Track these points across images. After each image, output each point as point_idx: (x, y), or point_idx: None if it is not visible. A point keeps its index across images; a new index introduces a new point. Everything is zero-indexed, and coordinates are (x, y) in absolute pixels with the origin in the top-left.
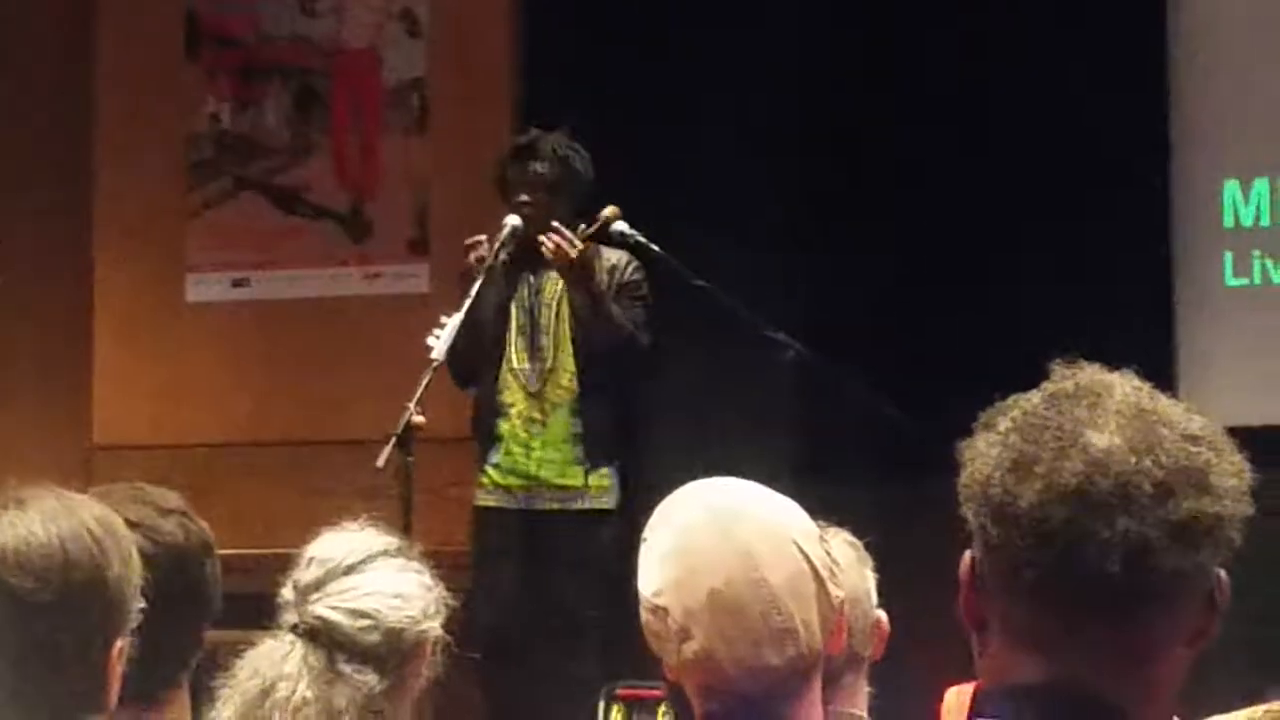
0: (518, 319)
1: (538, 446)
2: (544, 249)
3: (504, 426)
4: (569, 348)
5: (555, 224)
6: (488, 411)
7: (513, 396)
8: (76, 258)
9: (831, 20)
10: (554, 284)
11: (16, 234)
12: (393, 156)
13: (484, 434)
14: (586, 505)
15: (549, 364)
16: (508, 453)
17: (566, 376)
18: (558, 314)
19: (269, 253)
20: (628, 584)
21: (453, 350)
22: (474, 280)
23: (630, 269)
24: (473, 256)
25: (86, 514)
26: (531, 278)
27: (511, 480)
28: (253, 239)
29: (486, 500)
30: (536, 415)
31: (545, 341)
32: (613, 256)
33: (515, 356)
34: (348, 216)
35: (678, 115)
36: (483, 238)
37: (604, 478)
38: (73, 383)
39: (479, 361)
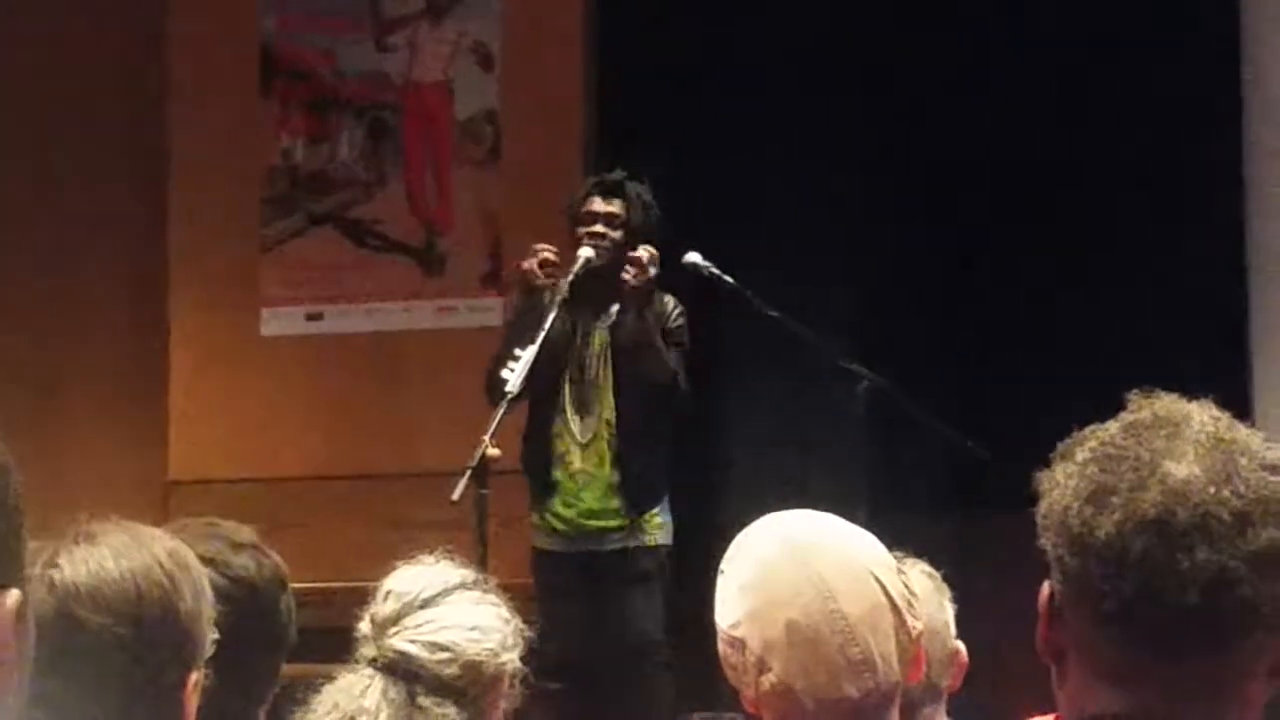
0: (571, 373)
1: (587, 498)
2: (627, 273)
3: (558, 474)
4: (611, 400)
5: (645, 248)
6: (541, 456)
7: (565, 446)
8: (152, 293)
9: (903, 55)
10: (603, 336)
11: (93, 270)
12: (465, 190)
13: (538, 477)
14: (640, 543)
15: (596, 416)
16: (564, 503)
17: (609, 429)
18: (604, 365)
19: (343, 286)
20: (693, 614)
21: (501, 366)
22: (536, 301)
23: (676, 314)
24: (535, 263)
25: (158, 547)
26: (582, 328)
27: (567, 528)
28: (326, 273)
29: (544, 543)
30: (586, 467)
31: (592, 395)
32: (660, 301)
33: (569, 408)
34: (421, 250)
35: (749, 146)
36: (554, 249)
37: (653, 517)
38: (149, 418)
39: (532, 391)
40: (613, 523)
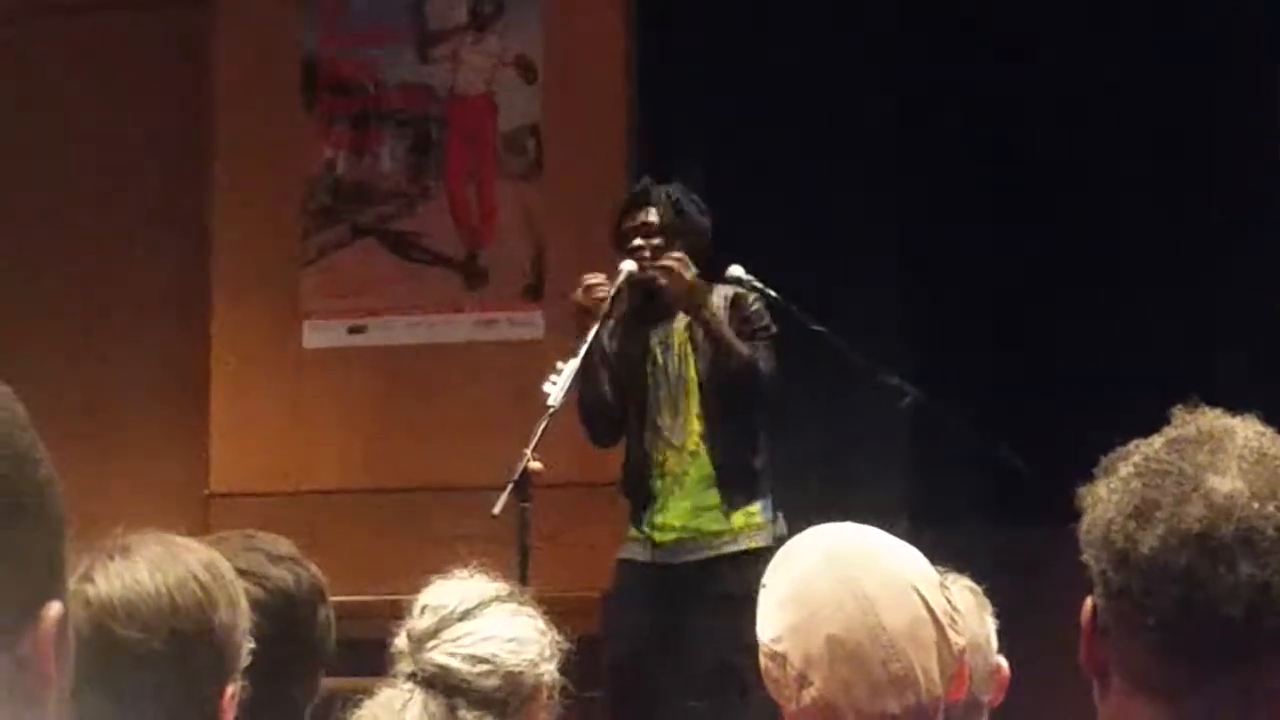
0: (654, 376)
1: (684, 496)
2: (660, 279)
3: (659, 485)
4: (697, 393)
5: (672, 254)
6: (643, 470)
7: (662, 454)
8: (194, 305)
9: (954, 69)
10: (681, 334)
11: (135, 282)
12: (508, 203)
13: (638, 493)
14: (739, 547)
15: (685, 414)
16: (663, 508)
17: (700, 424)
18: (684, 361)
19: (385, 299)
20: None
21: (587, 408)
22: (590, 323)
23: (753, 299)
24: (592, 296)
25: (193, 559)
26: (660, 333)
27: (665, 535)
28: (369, 285)
29: (638, 554)
30: (681, 469)
31: (680, 395)
32: (734, 290)
33: (661, 413)
34: (463, 262)
35: (793, 159)
36: (602, 277)
37: (752, 515)
38: (190, 430)
39: (613, 415)
40: (714, 526)
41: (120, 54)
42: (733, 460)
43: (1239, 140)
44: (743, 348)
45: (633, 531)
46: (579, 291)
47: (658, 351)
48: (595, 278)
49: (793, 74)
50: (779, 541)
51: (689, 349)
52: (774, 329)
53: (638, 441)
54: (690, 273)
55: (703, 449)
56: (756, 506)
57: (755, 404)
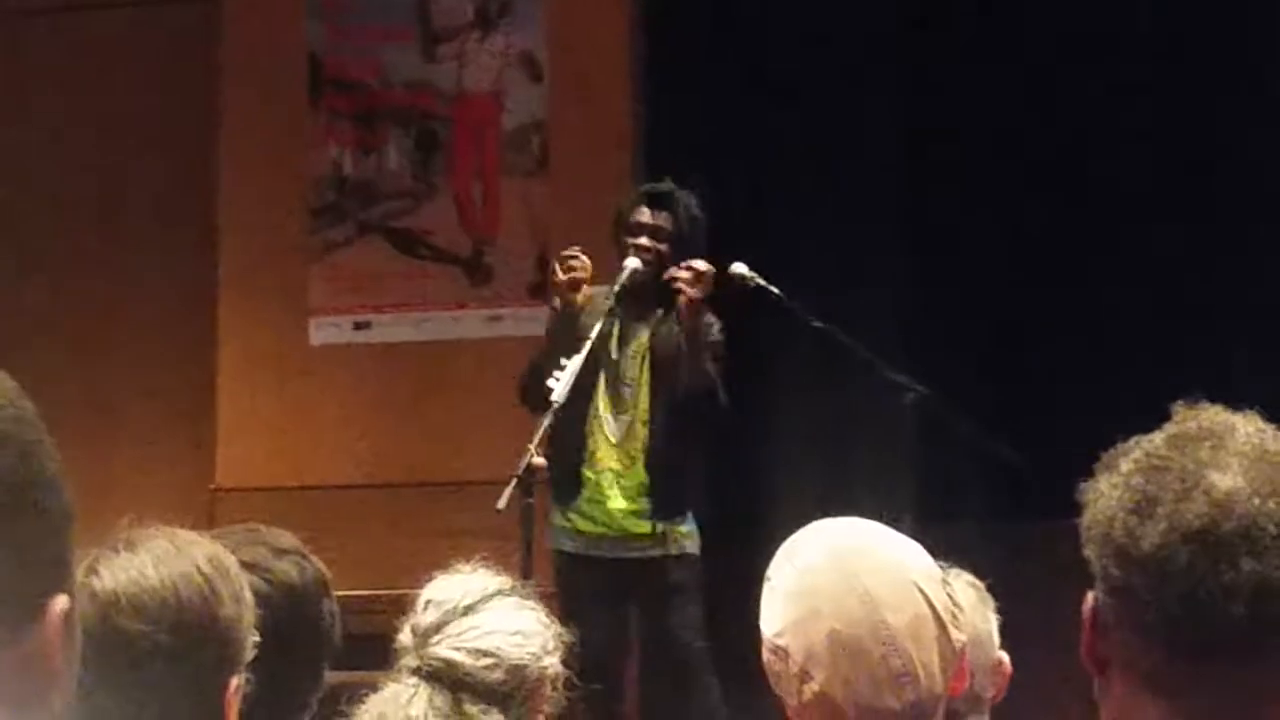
0: (606, 370)
1: (615, 497)
2: (680, 280)
3: (588, 473)
4: (647, 402)
5: (696, 264)
6: (572, 453)
7: (596, 444)
8: (201, 301)
9: (956, 67)
10: (643, 341)
11: (142, 278)
12: (513, 200)
13: (566, 474)
14: (666, 552)
15: (631, 417)
16: (590, 500)
17: (644, 428)
18: (642, 368)
19: (390, 296)
20: (738, 624)
21: (541, 376)
22: (576, 314)
23: (715, 329)
24: (564, 279)
25: (198, 553)
26: (622, 331)
27: (592, 528)
28: (375, 282)
29: (566, 545)
30: (617, 466)
31: (629, 395)
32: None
33: (603, 404)
34: (469, 260)
35: (796, 154)
36: (582, 256)
37: (678, 525)
38: (197, 425)
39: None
40: (639, 528)
41: (125, 52)
42: (671, 473)
43: (1241, 130)
44: (712, 370)
45: (558, 518)
46: (557, 267)
47: (614, 346)
48: (575, 257)
49: (796, 71)
50: (694, 553)
51: (647, 356)
52: (724, 359)
53: (576, 422)
54: (706, 290)
55: (641, 457)
56: (683, 522)
57: (709, 426)
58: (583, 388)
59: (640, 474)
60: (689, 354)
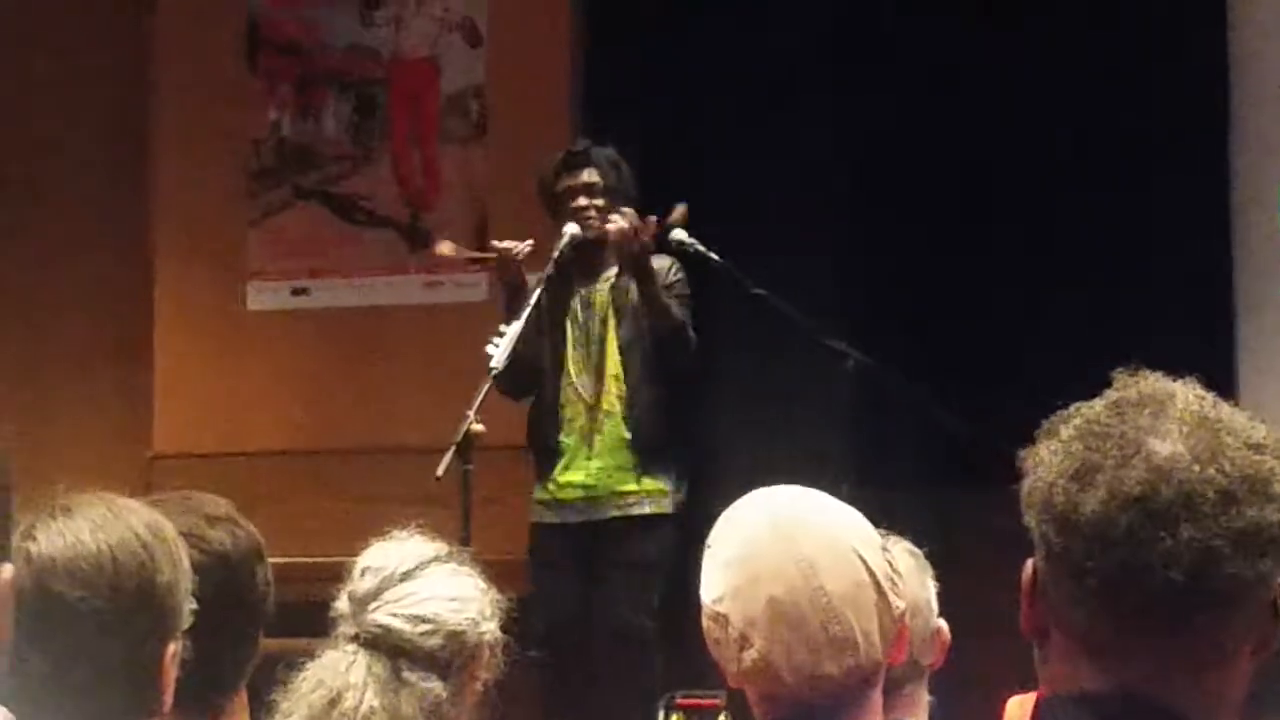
0: (573, 333)
1: (594, 456)
2: (611, 229)
3: (566, 440)
4: (618, 356)
5: (625, 210)
6: (549, 425)
7: (573, 410)
8: (137, 266)
9: (893, 20)
10: (603, 296)
11: (77, 243)
12: (451, 165)
13: (544, 447)
14: (645, 510)
15: (601, 375)
16: (568, 466)
17: (616, 385)
18: (605, 323)
19: (328, 261)
20: (687, 591)
21: (512, 363)
22: (517, 285)
23: (673, 270)
24: (502, 253)
25: (135, 519)
26: (582, 290)
27: (571, 493)
28: (312, 247)
29: (546, 517)
30: (593, 426)
31: (598, 355)
32: (657, 261)
33: (574, 369)
34: (407, 225)
35: (733, 122)
36: (513, 244)
37: (659, 482)
38: (133, 391)
39: (535, 374)
40: (625, 486)
41: (59, 12)
42: (649, 425)
43: (1185, 108)
44: (677, 311)
45: (539, 493)
46: (499, 251)
47: (578, 309)
48: (507, 248)
49: (734, 37)
50: (680, 509)
51: (610, 311)
52: (690, 299)
53: (550, 395)
54: (649, 231)
55: (619, 410)
56: (666, 473)
57: (684, 367)
58: (553, 362)
59: (616, 430)
60: (645, 296)
